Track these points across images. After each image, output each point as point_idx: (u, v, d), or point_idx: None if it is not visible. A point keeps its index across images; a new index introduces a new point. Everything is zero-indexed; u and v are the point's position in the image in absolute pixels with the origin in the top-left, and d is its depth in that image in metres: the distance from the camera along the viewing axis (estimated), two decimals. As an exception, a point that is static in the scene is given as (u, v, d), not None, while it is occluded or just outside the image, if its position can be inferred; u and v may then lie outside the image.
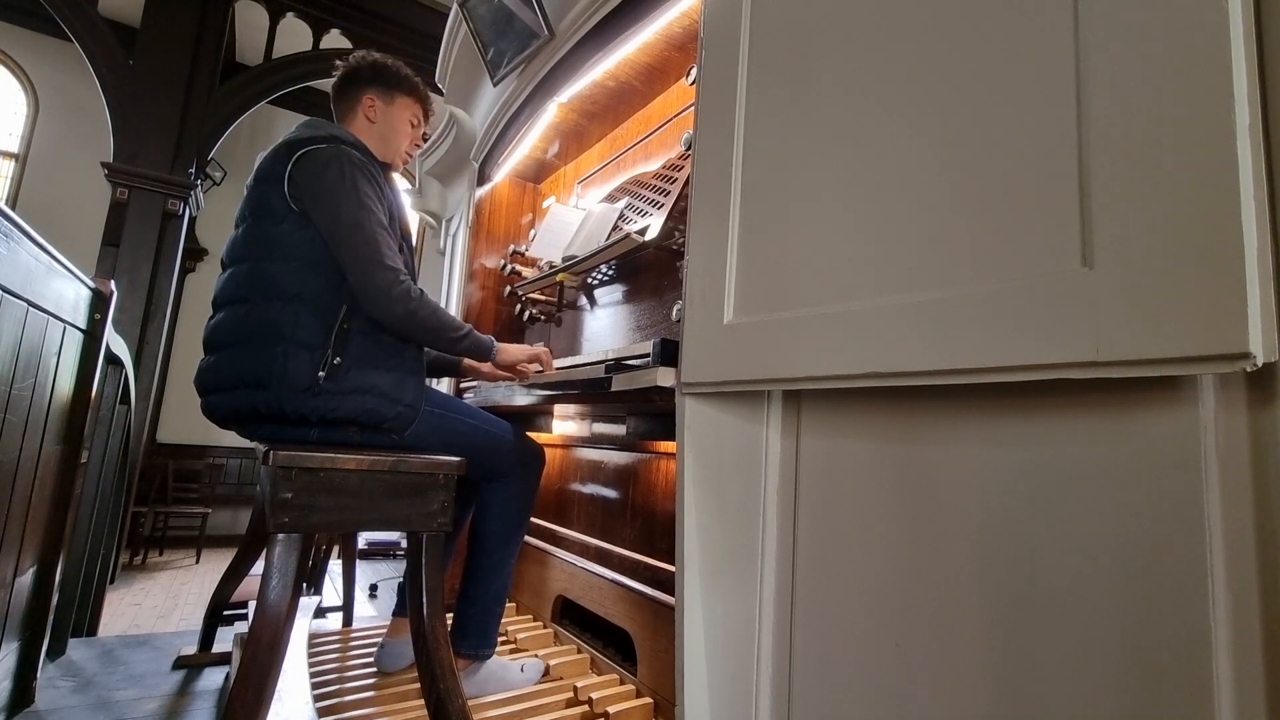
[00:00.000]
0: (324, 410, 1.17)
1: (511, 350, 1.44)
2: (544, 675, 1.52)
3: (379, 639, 1.71)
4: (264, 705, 0.98)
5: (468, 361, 1.65)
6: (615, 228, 1.76)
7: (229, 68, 5.23)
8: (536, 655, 1.59)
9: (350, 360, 1.20)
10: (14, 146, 5.58)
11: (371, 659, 1.56)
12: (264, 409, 1.16)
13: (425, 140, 1.58)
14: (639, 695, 1.41)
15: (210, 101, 4.74)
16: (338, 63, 1.45)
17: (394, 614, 1.57)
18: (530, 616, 1.91)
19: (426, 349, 1.39)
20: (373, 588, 3.04)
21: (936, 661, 0.70)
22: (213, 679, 1.67)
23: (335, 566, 2.58)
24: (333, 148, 1.23)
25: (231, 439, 5.91)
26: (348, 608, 2.00)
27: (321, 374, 1.16)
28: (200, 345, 1.27)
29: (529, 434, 1.56)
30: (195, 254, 6.13)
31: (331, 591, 2.48)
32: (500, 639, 1.75)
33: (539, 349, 1.48)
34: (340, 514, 1.08)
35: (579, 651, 1.63)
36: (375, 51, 1.46)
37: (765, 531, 0.90)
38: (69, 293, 1.42)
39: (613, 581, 1.57)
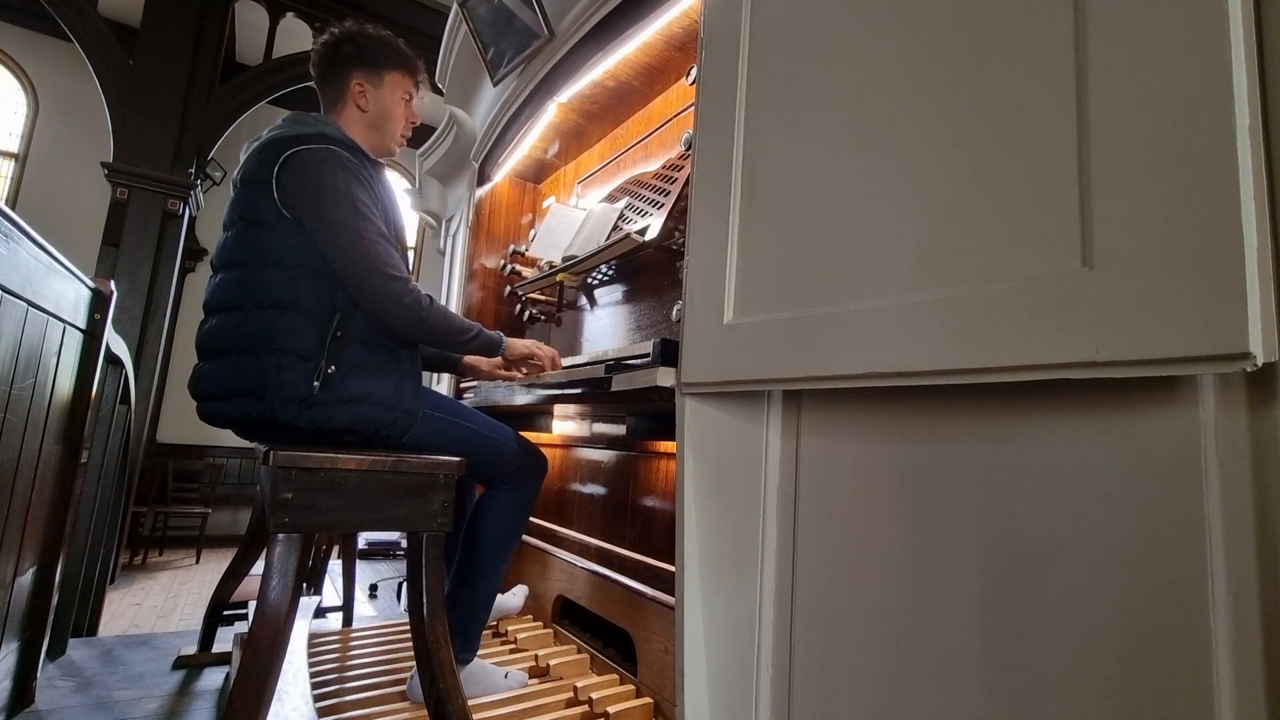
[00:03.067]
0: (319, 421, 1.16)
1: (518, 345, 1.42)
2: (525, 686, 1.46)
3: (379, 639, 1.72)
4: (264, 705, 0.98)
5: (468, 360, 1.64)
6: (615, 228, 1.76)
7: (229, 68, 5.23)
8: (524, 667, 1.55)
9: (345, 368, 1.17)
10: (14, 146, 5.58)
11: (372, 658, 1.57)
12: (258, 418, 1.15)
13: (416, 132, 1.50)
14: (639, 695, 1.41)
15: (210, 101, 4.74)
16: (317, 40, 1.36)
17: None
18: (530, 616, 1.91)
19: (422, 347, 1.38)
20: (373, 588, 3.04)
21: (936, 661, 0.70)
22: (213, 679, 1.67)
23: (335, 566, 2.58)
24: (322, 150, 1.18)
25: (231, 439, 5.87)
26: (348, 608, 2.00)
27: (316, 384, 1.14)
28: (199, 346, 1.27)
29: (530, 438, 1.55)
30: (195, 254, 6.12)
31: (331, 591, 2.48)
32: (499, 639, 1.76)
33: (546, 348, 1.47)
34: (340, 514, 1.08)
35: (579, 651, 1.63)
36: (352, 22, 1.37)
37: (765, 531, 0.90)
38: (69, 293, 1.42)
39: (613, 581, 1.57)
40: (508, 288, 2.35)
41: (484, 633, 1.79)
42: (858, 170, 0.79)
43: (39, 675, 1.49)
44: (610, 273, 1.93)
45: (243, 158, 1.26)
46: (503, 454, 1.42)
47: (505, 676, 1.44)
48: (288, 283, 1.16)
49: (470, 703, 1.16)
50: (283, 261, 1.17)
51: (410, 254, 1.40)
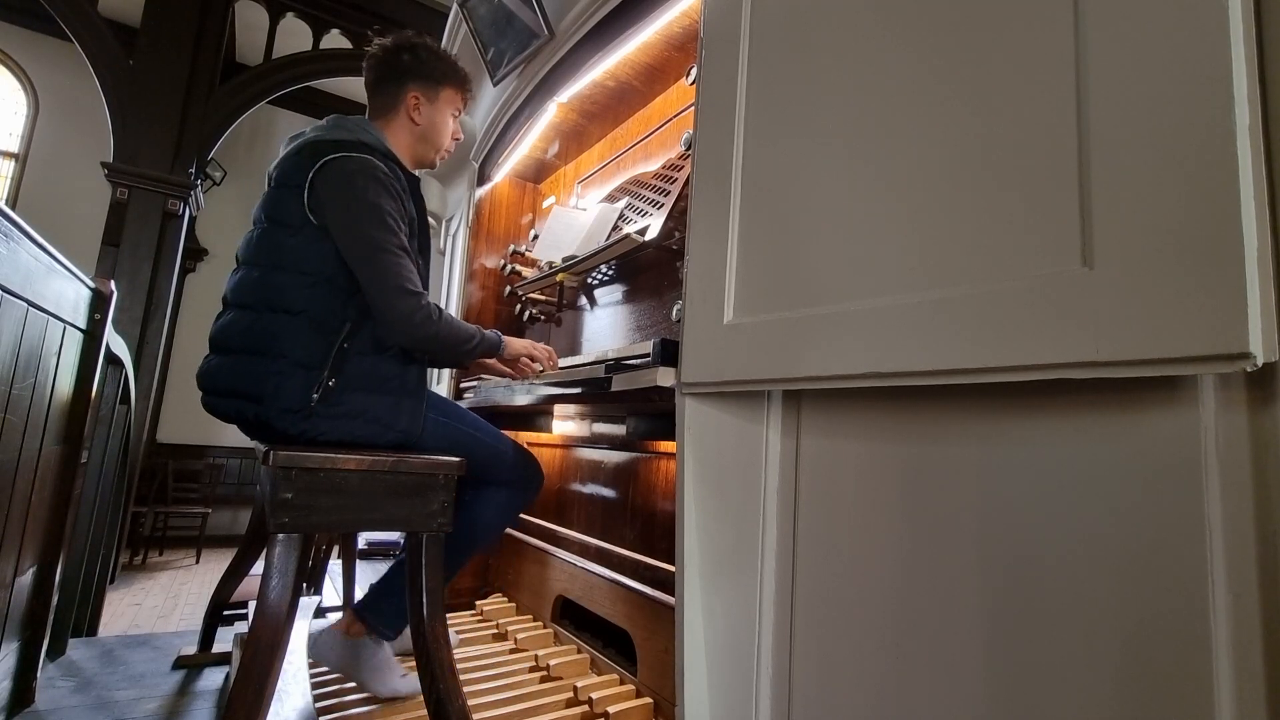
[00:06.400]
0: (313, 433, 1.16)
1: (516, 344, 1.43)
2: (416, 693, 1.30)
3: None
4: (264, 705, 0.98)
5: None
6: (615, 228, 1.76)
7: (229, 68, 5.22)
8: (524, 667, 1.54)
9: (345, 381, 1.18)
10: (14, 146, 5.58)
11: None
12: (254, 420, 1.16)
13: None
14: (639, 695, 1.41)
15: (210, 101, 4.74)
16: (375, 44, 1.36)
17: (351, 607, 1.43)
18: (530, 616, 1.91)
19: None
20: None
21: (936, 661, 0.70)
22: (213, 679, 1.67)
23: (335, 566, 2.58)
24: (359, 160, 1.19)
25: (231, 439, 5.92)
26: (347, 608, 1.99)
27: (315, 395, 1.14)
28: (201, 344, 1.27)
29: (530, 450, 1.53)
30: (195, 254, 6.13)
31: (331, 591, 2.47)
32: (500, 638, 1.76)
33: (543, 346, 1.47)
34: (340, 514, 1.08)
35: (579, 651, 1.63)
36: (410, 32, 1.38)
37: (765, 531, 0.90)
38: (69, 293, 1.42)
39: (613, 581, 1.57)
40: (508, 288, 2.35)
41: (487, 633, 1.79)
42: (857, 169, 0.79)
43: (39, 675, 1.49)
44: (610, 273, 1.93)
45: (281, 152, 1.26)
46: (500, 461, 1.42)
47: (403, 676, 1.35)
48: (302, 289, 1.17)
49: (470, 702, 1.16)
50: (300, 267, 1.18)
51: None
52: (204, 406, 1.24)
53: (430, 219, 3.19)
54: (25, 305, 1.17)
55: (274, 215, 1.21)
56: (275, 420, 1.14)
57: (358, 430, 1.20)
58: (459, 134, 1.45)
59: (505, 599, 2.07)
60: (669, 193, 1.59)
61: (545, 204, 2.56)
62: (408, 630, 1.45)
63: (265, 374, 1.14)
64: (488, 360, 1.57)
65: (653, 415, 1.34)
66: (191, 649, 1.77)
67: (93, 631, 2.38)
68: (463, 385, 2.06)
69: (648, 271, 1.81)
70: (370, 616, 1.34)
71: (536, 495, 1.53)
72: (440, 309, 1.23)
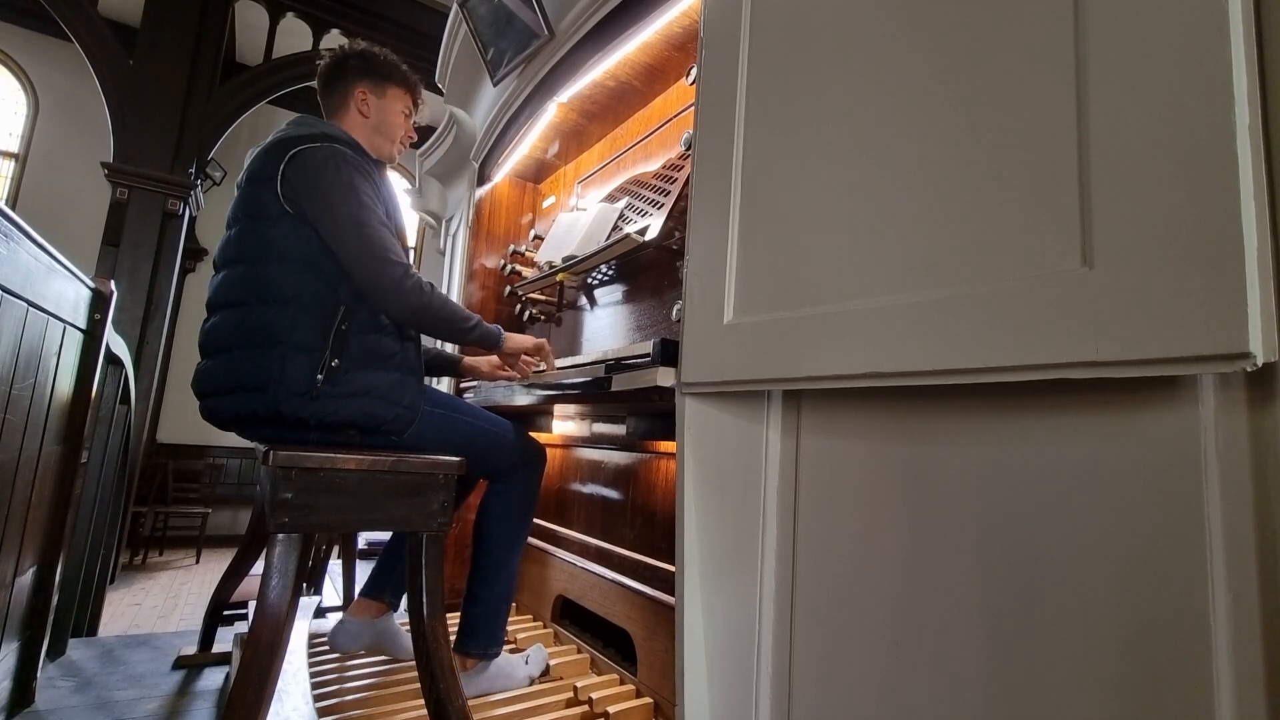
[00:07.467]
0: (322, 414, 1.17)
1: (517, 339, 1.43)
2: (547, 660, 1.54)
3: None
4: (264, 705, 0.98)
5: (467, 361, 1.65)
6: (615, 228, 1.76)
7: (229, 68, 5.23)
8: (537, 645, 1.59)
9: (348, 362, 1.19)
10: (14, 146, 5.58)
11: (371, 658, 1.56)
12: (261, 412, 1.16)
13: (417, 134, 1.55)
14: (639, 695, 1.41)
15: (210, 101, 4.75)
16: (323, 53, 1.42)
17: (360, 594, 1.57)
18: (530, 616, 1.91)
19: (424, 348, 1.39)
20: (373, 588, 3.04)
21: (936, 661, 0.70)
22: (213, 679, 1.67)
23: (335, 566, 2.58)
24: (326, 147, 1.21)
25: (231, 439, 5.91)
26: (347, 608, 1.99)
27: (320, 377, 1.15)
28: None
29: (529, 433, 1.56)
30: (195, 254, 6.13)
31: (331, 591, 2.48)
32: (500, 639, 1.75)
33: (542, 340, 1.48)
34: (340, 514, 1.08)
35: (579, 651, 1.63)
36: (361, 40, 1.45)
37: (765, 531, 0.90)
38: (69, 293, 1.42)
39: (613, 581, 1.57)
40: (508, 288, 2.35)
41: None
42: (857, 169, 0.79)
43: (39, 675, 1.49)
44: (610, 273, 1.93)
45: (247, 161, 1.28)
46: (502, 447, 1.43)
47: (526, 662, 1.48)
48: (290, 277, 1.18)
49: (471, 701, 1.16)
50: (284, 256, 1.18)
51: (410, 254, 1.40)
52: (203, 415, 1.23)
53: (430, 218, 3.20)
54: (25, 305, 1.17)
55: (250, 212, 1.22)
56: (283, 405, 1.14)
57: (366, 407, 1.21)
58: (412, 135, 1.48)
59: (505, 599, 2.06)
60: (669, 193, 1.59)
61: (545, 204, 2.56)
62: (365, 630, 1.52)
63: (267, 362, 1.14)
64: (488, 361, 1.59)
65: (653, 415, 1.34)
66: (191, 649, 1.77)
67: (93, 631, 2.38)
68: (463, 385, 2.05)
69: (648, 271, 1.81)
70: (472, 646, 1.41)
71: (542, 474, 1.56)
72: (432, 285, 1.24)
